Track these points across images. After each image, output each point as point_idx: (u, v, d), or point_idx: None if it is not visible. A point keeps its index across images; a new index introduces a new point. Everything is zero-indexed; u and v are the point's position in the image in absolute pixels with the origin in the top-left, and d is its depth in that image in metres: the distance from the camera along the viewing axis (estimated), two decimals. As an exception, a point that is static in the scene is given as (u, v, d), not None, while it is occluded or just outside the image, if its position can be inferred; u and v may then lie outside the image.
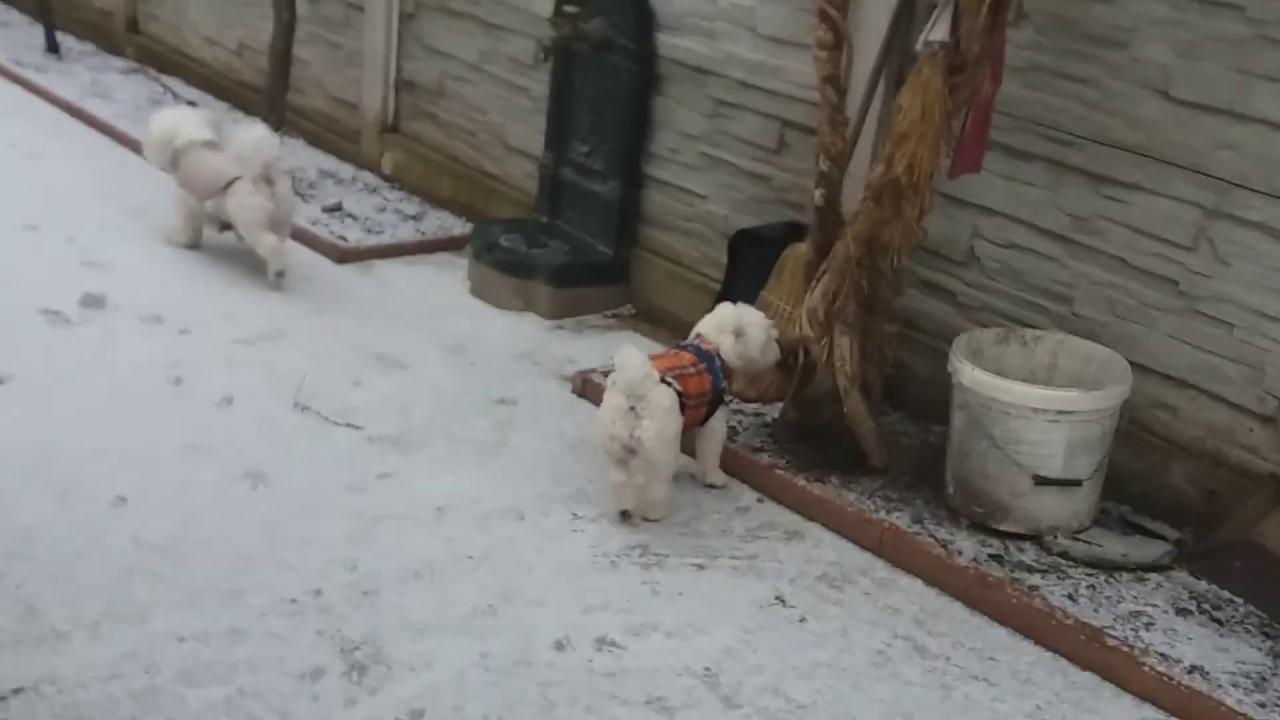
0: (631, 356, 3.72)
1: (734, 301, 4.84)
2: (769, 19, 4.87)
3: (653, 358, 3.91)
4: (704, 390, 3.89)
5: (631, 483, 3.83)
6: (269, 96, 6.54)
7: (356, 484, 3.98)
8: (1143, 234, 3.89)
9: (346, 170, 6.93)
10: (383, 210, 6.42)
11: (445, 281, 5.71)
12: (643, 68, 5.32)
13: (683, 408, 3.81)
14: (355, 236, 6.03)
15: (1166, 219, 3.82)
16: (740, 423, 4.38)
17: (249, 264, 5.62)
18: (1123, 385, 3.68)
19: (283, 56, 6.51)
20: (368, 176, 6.85)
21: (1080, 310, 4.08)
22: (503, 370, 4.86)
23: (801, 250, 4.53)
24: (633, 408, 3.72)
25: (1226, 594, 3.52)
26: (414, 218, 6.36)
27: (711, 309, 4.88)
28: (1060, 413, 3.59)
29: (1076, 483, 3.67)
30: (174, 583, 3.40)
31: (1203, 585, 3.57)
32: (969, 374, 3.70)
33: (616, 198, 5.46)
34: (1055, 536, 3.72)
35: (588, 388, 4.64)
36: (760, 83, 4.93)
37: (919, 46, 3.68)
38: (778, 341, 4.17)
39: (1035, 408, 3.60)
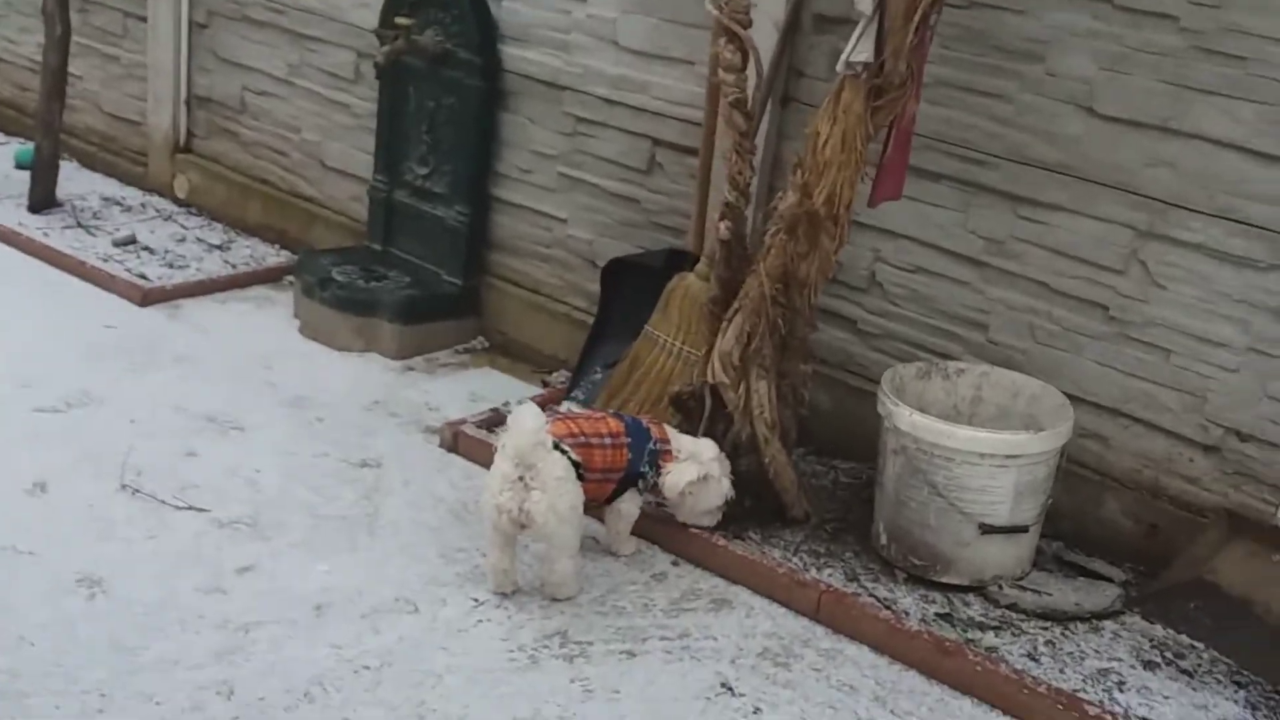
0: (523, 418, 3.28)
1: (605, 335, 4.49)
2: (631, 31, 4.49)
3: (566, 418, 3.48)
4: (614, 466, 3.48)
5: (512, 568, 3.40)
6: (43, 118, 5.77)
7: (213, 582, 3.41)
8: (1066, 256, 3.68)
9: (133, 195, 6.21)
10: (182, 240, 5.75)
11: (267, 321, 5.12)
12: (487, 83, 4.86)
13: (580, 479, 3.39)
14: (156, 273, 5.36)
15: (1094, 241, 3.62)
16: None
17: (41, 311, 4.90)
18: (1068, 421, 3.45)
19: (57, 73, 5.75)
20: (159, 202, 6.15)
21: (997, 337, 3.85)
22: (356, 425, 4.33)
23: (691, 282, 4.16)
24: (521, 477, 3.28)
25: (1185, 639, 3.33)
26: (219, 247, 5.72)
27: (585, 343, 4.52)
28: (1009, 456, 3.34)
29: (1023, 529, 3.43)
30: (10, 734, 2.79)
31: (1159, 630, 3.38)
32: (908, 418, 3.41)
33: (463, 223, 4.98)
34: (1000, 587, 3.47)
35: (460, 442, 4.17)
36: (625, 99, 4.54)
37: (839, 68, 3.35)
38: (684, 396, 3.80)
39: (983, 453, 3.33)
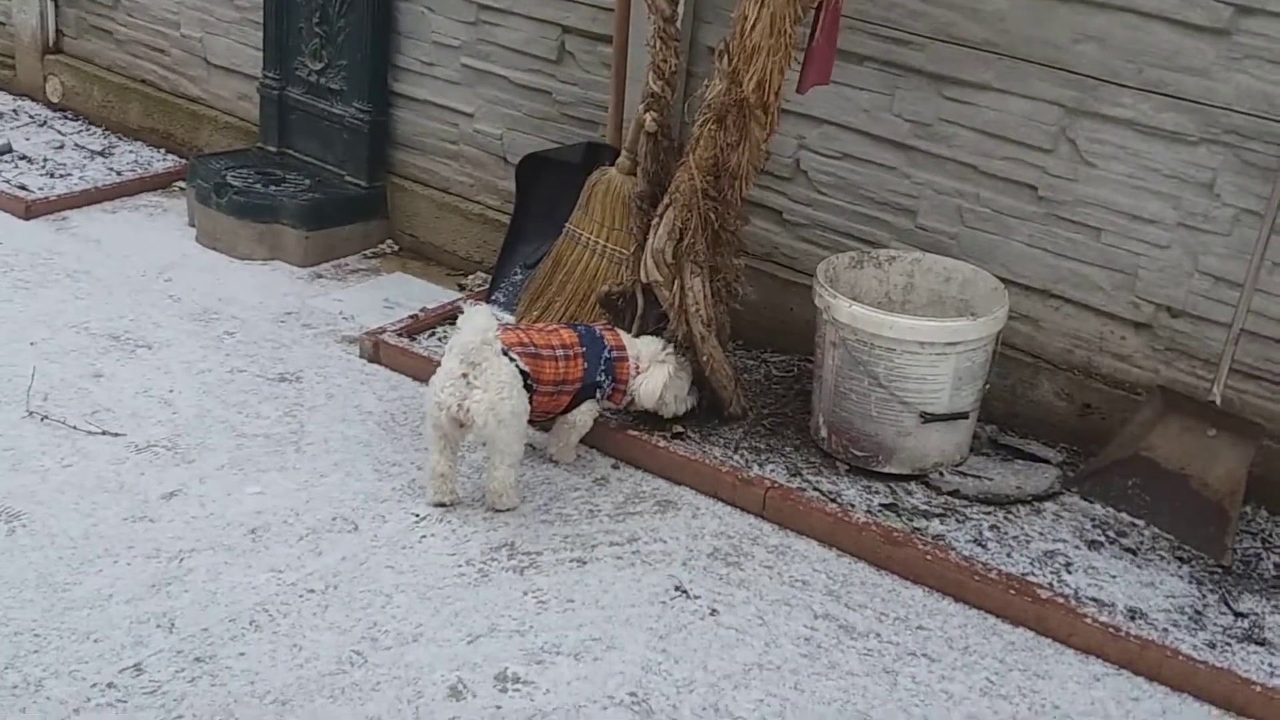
0: (474, 318, 3.19)
1: (523, 235, 4.36)
2: (533, -90, 4.29)
3: (518, 328, 3.38)
4: (566, 379, 3.39)
5: (451, 474, 3.33)
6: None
7: (139, 510, 3.27)
8: (994, 137, 3.64)
9: (3, 100, 5.85)
10: (60, 148, 5.45)
11: (161, 230, 4.88)
12: (381, -31, 4.62)
13: (531, 391, 3.30)
14: (37, 184, 5.07)
15: (1021, 120, 3.59)
16: (568, 377, 3.90)
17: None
18: (1004, 306, 3.45)
19: (-92, -33, 5.34)
20: (32, 107, 5.81)
21: (926, 222, 3.82)
22: (269, 338, 4.16)
23: (612, 177, 4.05)
24: (465, 375, 3.21)
25: (1126, 516, 3.39)
26: (101, 154, 5.43)
27: (502, 244, 4.39)
28: (948, 344, 3.33)
29: (964, 415, 3.44)
30: (-60, 685, 2.65)
31: (1099, 510, 3.43)
32: (847, 310, 3.37)
33: (364, 121, 4.77)
34: (942, 474, 3.49)
35: (382, 351, 4.03)
36: (530, -17, 4.35)
37: (766, -54, 3.22)
38: (614, 296, 3.72)
39: (923, 341, 3.31)
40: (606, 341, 3.50)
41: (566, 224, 4.13)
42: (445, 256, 4.75)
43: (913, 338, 3.32)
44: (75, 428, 3.57)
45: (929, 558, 3.17)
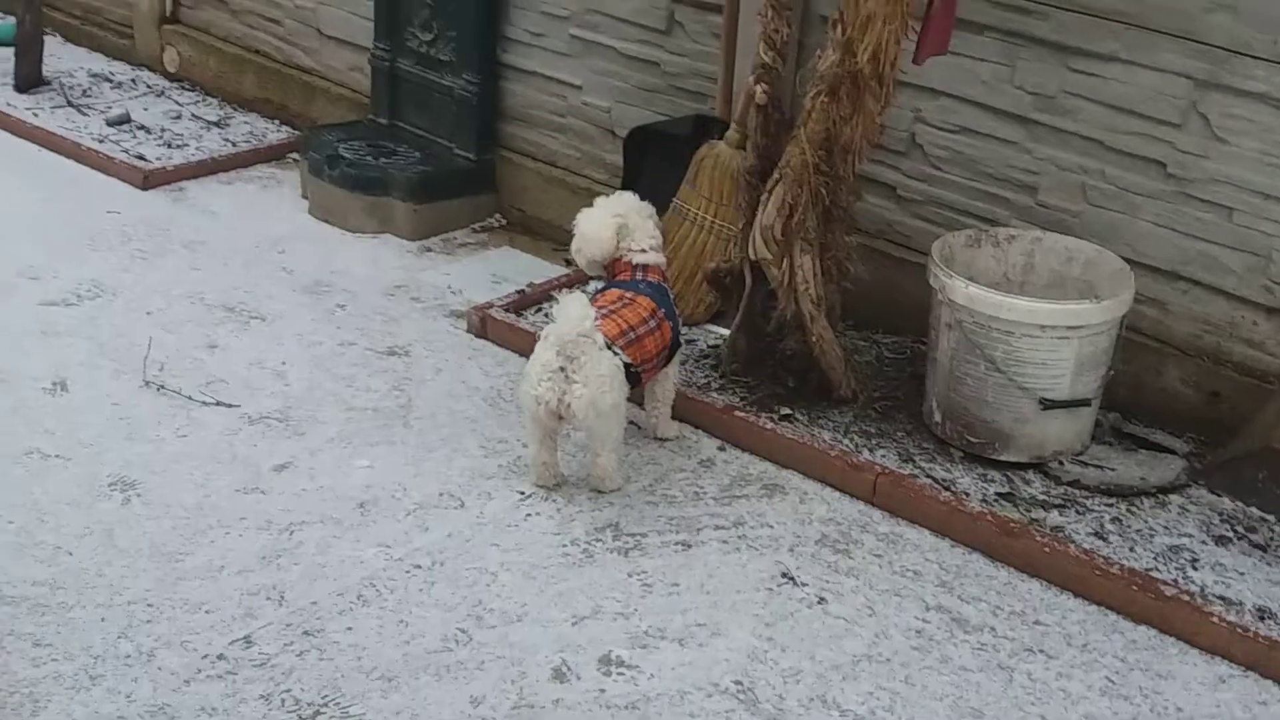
0: (569, 307, 3.12)
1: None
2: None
3: (611, 313, 3.26)
4: (663, 346, 3.34)
5: (554, 461, 3.29)
6: (22, -12, 5.48)
7: (251, 482, 3.30)
8: (1121, 111, 3.50)
9: (121, 70, 5.94)
10: (178, 118, 5.52)
11: (275, 202, 4.93)
12: (493, -62, 4.59)
13: (635, 377, 3.25)
14: (155, 154, 5.14)
15: (1150, 93, 3.44)
16: (674, 354, 3.85)
17: (39, 197, 4.71)
18: (1129, 288, 3.32)
19: (34, -60, 5.44)
20: (149, 77, 5.89)
21: (1047, 199, 3.69)
22: (379, 311, 4.18)
23: (721, 151, 3.98)
24: (563, 368, 3.12)
25: (1255, 511, 3.26)
26: (217, 124, 5.49)
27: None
28: (1071, 328, 3.21)
29: (1085, 402, 3.33)
30: (59, 649, 2.71)
31: (1227, 503, 3.30)
32: (963, 291, 3.27)
33: (473, 93, 4.76)
34: (1061, 463, 3.38)
35: (489, 326, 4.03)
36: (641, -47, 4.29)
37: (885, -88, 3.12)
38: (721, 274, 3.66)
39: (1044, 324, 3.20)
40: (661, 284, 3.43)
41: (674, 199, 4.08)
42: (552, 231, 4.73)
43: (1033, 320, 3.21)
44: (190, 398, 3.62)
45: (1047, 550, 3.07)
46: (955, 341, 3.34)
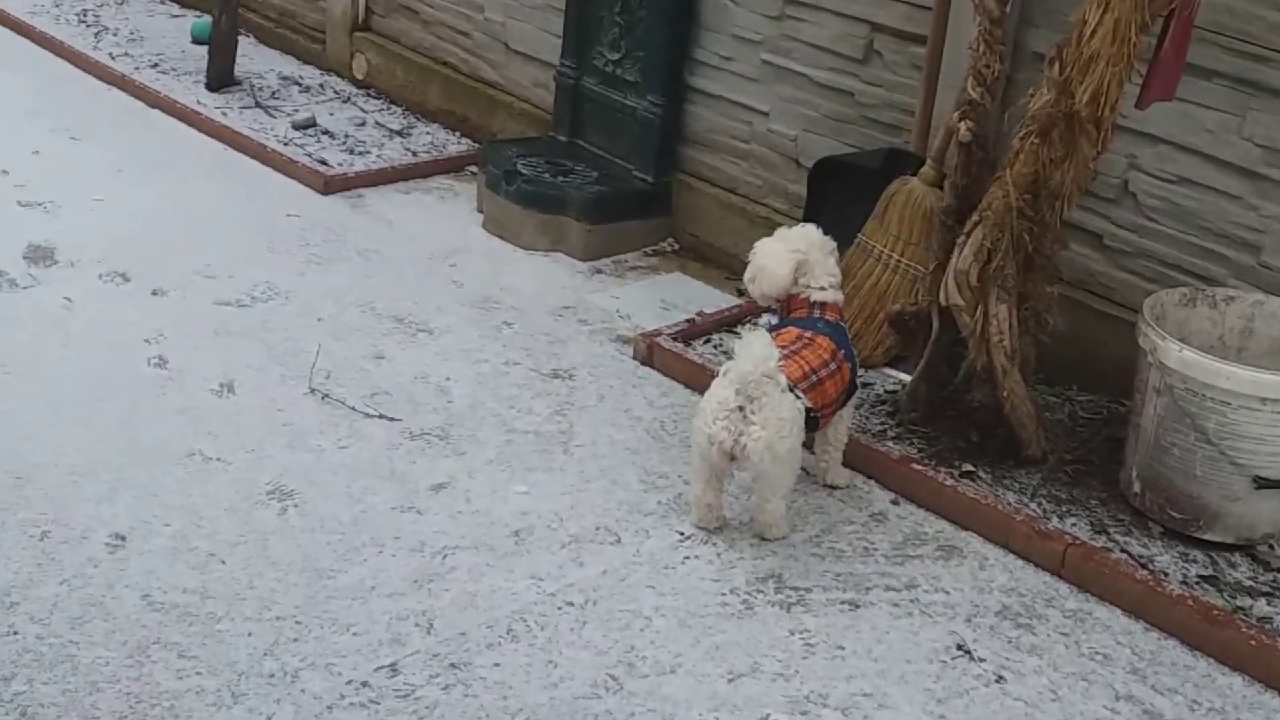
0: (753, 344, 2.95)
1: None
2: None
3: (793, 355, 3.08)
4: (842, 388, 3.16)
5: (718, 503, 3.13)
6: (221, -9, 5.57)
7: (408, 500, 3.22)
8: (1364, 172, 3.20)
9: (311, 74, 6.01)
10: (361, 125, 5.54)
11: (450, 214, 4.89)
12: (687, -41, 4.48)
13: (813, 422, 3.08)
14: (337, 160, 5.16)
15: (1399, 155, 3.14)
16: (851, 398, 3.66)
17: (222, 196, 4.76)
18: (1364, 365, 3.03)
19: (235, -57, 5.53)
20: (338, 82, 5.94)
21: (1271, 260, 3.40)
22: (546, 331, 4.08)
23: (914, 188, 3.79)
24: (741, 408, 2.96)
25: None
26: (399, 133, 5.49)
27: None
28: (1293, 403, 2.93)
29: (1304, 484, 3.04)
30: (204, 662, 2.65)
31: None
32: (1177, 354, 3.01)
33: (656, 115, 4.64)
34: (1272, 547, 3.10)
35: (656, 355, 3.89)
36: (842, -22, 4.12)
37: (1117, -56, 2.90)
38: (905, 316, 3.47)
39: (1265, 397, 2.93)
40: (839, 323, 3.25)
41: (859, 234, 3.90)
42: (726, 259, 4.58)
43: (1253, 392, 2.93)
44: (354, 409, 3.57)
45: (1253, 642, 2.79)
46: (1163, 408, 3.08)
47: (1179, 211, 3.54)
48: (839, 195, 4.04)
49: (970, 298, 3.24)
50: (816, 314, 3.25)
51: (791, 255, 3.24)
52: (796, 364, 3.06)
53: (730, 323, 4.09)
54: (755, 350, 2.93)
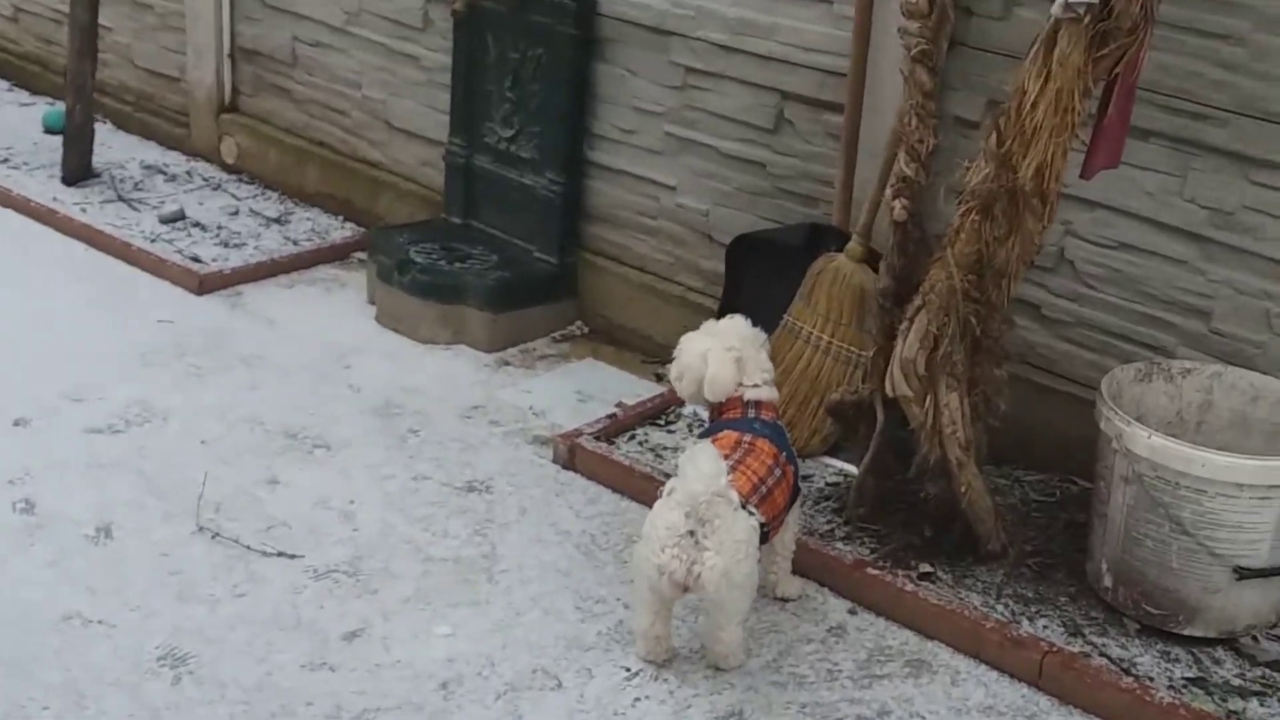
0: (701, 461, 2.68)
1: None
2: (753, -35, 3.85)
3: (739, 465, 2.82)
4: (789, 494, 2.91)
5: (667, 634, 2.86)
6: (74, 80, 5.17)
7: (318, 654, 2.88)
8: (1315, 232, 3.06)
9: (176, 161, 5.62)
10: (235, 214, 5.17)
11: (340, 308, 4.55)
12: (580, 30, 4.22)
13: (764, 536, 2.82)
14: (211, 254, 4.79)
15: (1351, 213, 3.00)
16: (789, 494, 3.41)
17: (85, 304, 4.36)
18: (1341, 439, 2.87)
19: (87, 30, 5.14)
20: (206, 168, 5.56)
21: (1223, 326, 3.24)
22: (456, 437, 3.77)
23: (841, 264, 3.58)
24: (692, 532, 2.69)
25: None
26: (277, 220, 5.14)
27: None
28: (1273, 486, 2.75)
29: (1286, 571, 2.86)
30: None
31: None
32: (1145, 441, 2.82)
33: (556, 192, 4.38)
34: (1256, 639, 2.91)
35: (578, 457, 3.61)
36: (746, 45, 3.91)
37: (1055, 10, 2.72)
38: (843, 400, 3.25)
39: (1243, 483, 2.74)
40: (776, 423, 3.02)
41: (785, 315, 3.67)
42: (640, 341, 4.32)
43: (1230, 478, 2.75)
44: (249, 547, 3.22)
45: (1255, 755, 2.60)
46: (1133, 497, 2.88)
47: (1121, 278, 3.37)
48: (759, 273, 3.82)
49: (919, 387, 3.02)
50: (751, 413, 3.00)
51: (730, 355, 2.98)
52: (744, 476, 2.80)
53: (654, 414, 3.82)
54: (703, 467, 2.67)
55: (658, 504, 2.76)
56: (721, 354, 2.99)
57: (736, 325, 3.10)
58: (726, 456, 2.81)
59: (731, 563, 2.68)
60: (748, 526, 2.72)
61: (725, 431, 2.96)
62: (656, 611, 2.81)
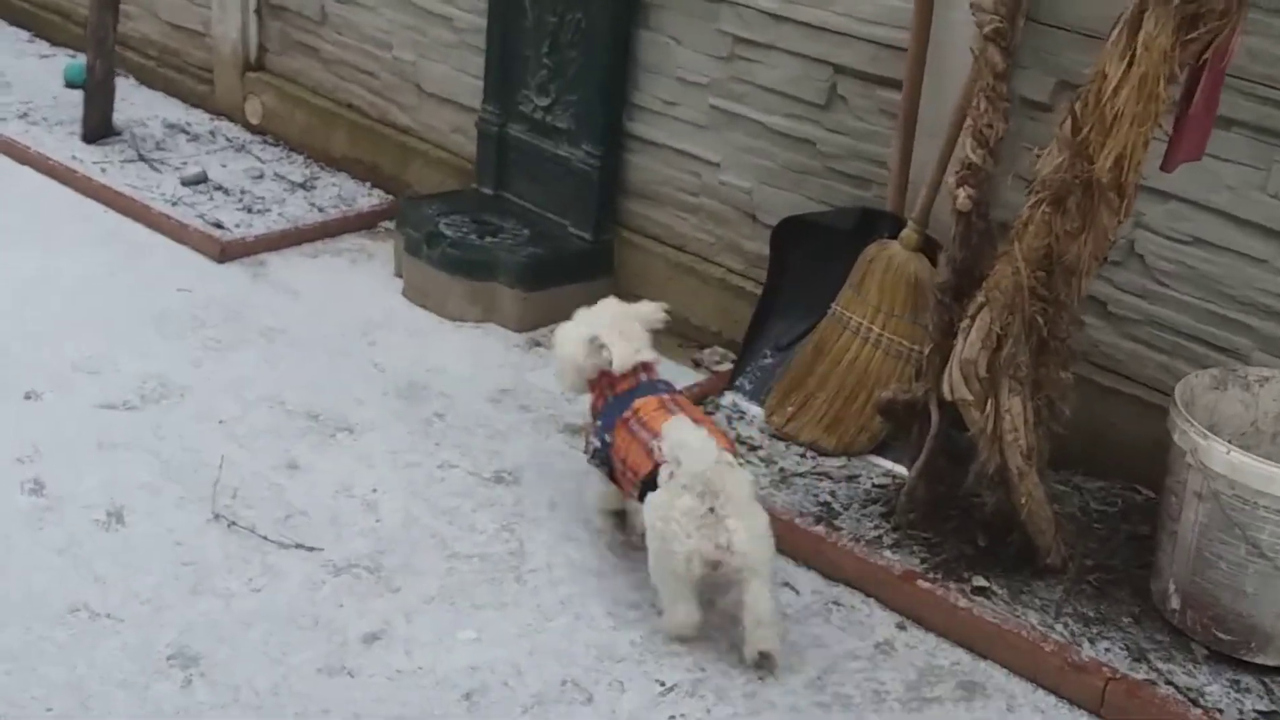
0: (689, 438, 2.69)
1: (776, 310, 3.72)
2: (810, -70, 3.63)
3: (645, 411, 2.91)
4: None
5: (699, 609, 2.78)
6: (95, 33, 4.99)
7: (336, 657, 2.73)
8: None
9: (200, 120, 5.44)
10: (259, 177, 5.00)
11: (365, 280, 4.38)
12: (623, -7, 4.02)
13: None
14: (234, 220, 4.62)
15: None
16: (834, 495, 3.24)
17: (103, 269, 4.20)
18: None
19: (111, -21, 4.95)
20: (229, 128, 5.38)
21: (1304, 331, 3.04)
22: (483, 422, 3.61)
23: (894, 252, 3.39)
24: (712, 508, 2.65)
25: None
26: (302, 185, 4.96)
27: (751, 319, 3.76)
28: (1360, 510, 2.57)
29: (1370, 599, 2.67)
30: None
31: None
32: (1224, 456, 2.63)
33: (593, 166, 4.18)
34: (1334, 669, 2.73)
35: (612, 450, 3.42)
36: (798, 14, 3.70)
37: (1143, -11, 2.51)
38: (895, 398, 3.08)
39: (1329, 507, 2.56)
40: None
41: (833, 304, 3.48)
42: (677, 324, 4.07)
43: (1315, 501, 2.56)
44: (266, 538, 3.06)
45: (1336, 798, 2.42)
46: (1207, 515, 2.70)
47: (1194, 275, 3.17)
48: (806, 258, 3.63)
49: (979, 390, 2.83)
50: (644, 376, 3.05)
51: (616, 331, 3.05)
52: (715, 433, 2.82)
53: (692, 404, 3.63)
54: (694, 443, 2.68)
55: (660, 494, 2.71)
56: (613, 335, 3.02)
57: (606, 304, 3.19)
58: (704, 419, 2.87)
59: (752, 520, 2.69)
60: (748, 478, 2.77)
61: (646, 398, 2.96)
62: (690, 597, 2.75)
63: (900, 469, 3.25)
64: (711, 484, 2.65)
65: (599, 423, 3.00)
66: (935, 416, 3.01)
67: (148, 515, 3.11)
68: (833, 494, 3.23)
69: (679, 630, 2.79)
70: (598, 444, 2.98)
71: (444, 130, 4.75)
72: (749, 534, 2.66)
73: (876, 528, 3.12)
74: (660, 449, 2.72)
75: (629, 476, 2.86)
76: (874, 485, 3.29)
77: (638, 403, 2.92)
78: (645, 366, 3.05)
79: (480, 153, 4.49)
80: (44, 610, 2.77)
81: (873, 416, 3.33)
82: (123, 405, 3.53)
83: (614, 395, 3.00)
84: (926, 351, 3.03)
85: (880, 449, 3.40)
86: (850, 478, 3.31)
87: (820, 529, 3.05)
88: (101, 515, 3.09)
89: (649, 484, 2.75)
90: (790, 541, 2.97)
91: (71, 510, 3.10)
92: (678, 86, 4.03)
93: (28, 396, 3.52)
